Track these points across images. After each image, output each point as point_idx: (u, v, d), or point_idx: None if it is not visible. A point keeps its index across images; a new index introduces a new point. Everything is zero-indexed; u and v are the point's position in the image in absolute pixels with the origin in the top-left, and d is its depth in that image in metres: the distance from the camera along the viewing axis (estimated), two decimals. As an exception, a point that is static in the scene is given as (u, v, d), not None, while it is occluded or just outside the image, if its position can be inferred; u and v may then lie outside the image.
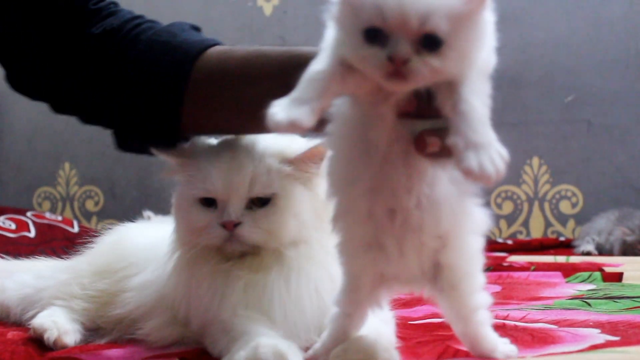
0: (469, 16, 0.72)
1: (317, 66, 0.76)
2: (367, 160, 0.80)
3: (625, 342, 1.06)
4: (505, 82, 3.28)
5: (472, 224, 0.85)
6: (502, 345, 0.93)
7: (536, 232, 3.29)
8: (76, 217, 3.68)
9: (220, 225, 1.04)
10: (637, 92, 3.23)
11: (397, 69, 0.70)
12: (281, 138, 1.11)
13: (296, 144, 1.09)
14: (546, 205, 3.28)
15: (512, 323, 1.23)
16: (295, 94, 0.75)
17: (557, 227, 3.28)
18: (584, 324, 1.23)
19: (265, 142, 1.10)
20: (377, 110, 0.79)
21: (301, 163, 1.08)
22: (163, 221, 1.47)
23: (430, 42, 0.70)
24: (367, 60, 0.72)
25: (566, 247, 2.96)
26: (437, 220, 0.82)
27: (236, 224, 1.04)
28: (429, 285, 0.89)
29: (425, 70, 0.71)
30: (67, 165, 3.75)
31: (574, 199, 3.27)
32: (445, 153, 0.76)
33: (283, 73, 0.96)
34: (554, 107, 3.28)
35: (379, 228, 0.83)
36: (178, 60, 1.09)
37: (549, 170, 3.28)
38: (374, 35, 0.71)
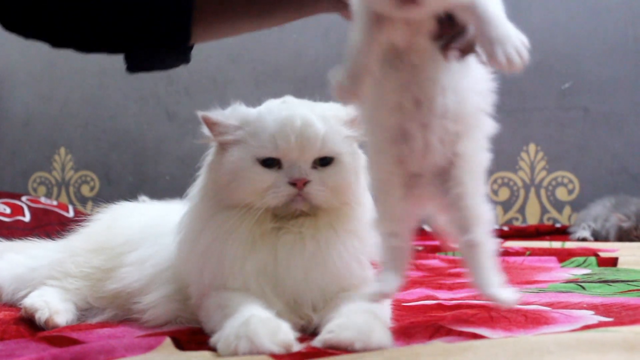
0: None
1: (355, 36, 0.89)
2: (398, 67, 0.91)
3: (619, 322, 1.06)
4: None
5: (483, 123, 0.97)
6: (506, 289, 0.98)
7: (532, 218, 3.28)
8: (71, 202, 3.67)
9: (288, 183, 1.05)
10: (634, 80, 3.22)
11: None
12: (329, 104, 1.13)
13: (345, 109, 1.12)
14: (542, 192, 3.28)
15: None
16: (346, 65, 0.89)
17: (553, 213, 3.28)
18: (578, 306, 1.23)
19: (319, 106, 1.12)
20: (411, 42, 0.90)
21: (356, 124, 1.10)
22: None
23: None
24: None
25: (562, 233, 2.96)
26: (460, 105, 0.92)
27: (305, 182, 1.05)
28: (441, 189, 0.97)
29: None
30: (62, 151, 3.74)
31: (570, 186, 3.26)
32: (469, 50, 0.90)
33: None
34: (551, 94, 3.28)
35: (406, 116, 0.92)
36: None
37: (545, 157, 3.27)
38: None
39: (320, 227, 1.08)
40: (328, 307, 1.04)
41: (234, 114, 1.10)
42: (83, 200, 3.74)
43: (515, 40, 0.83)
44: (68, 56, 3.61)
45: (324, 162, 1.08)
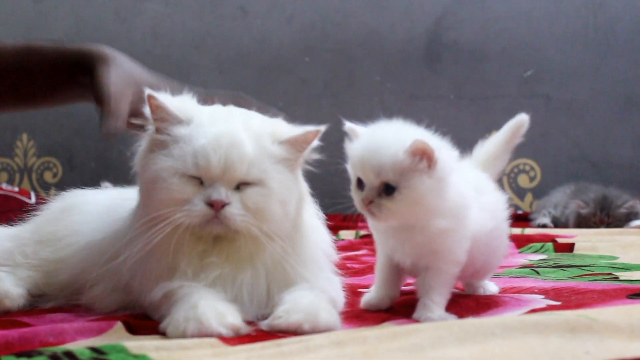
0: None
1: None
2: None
3: (565, 306, 1.08)
4: (465, 56, 3.29)
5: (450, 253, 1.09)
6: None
7: (494, 205, 3.30)
8: (34, 189, 3.64)
9: (206, 203, 0.98)
10: (595, 67, 3.26)
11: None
12: (268, 119, 1.08)
13: (285, 127, 1.06)
14: (504, 179, 3.30)
15: (457, 291, 1.25)
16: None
17: (515, 200, 3.31)
18: (529, 291, 1.25)
19: (258, 118, 1.06)
20: None
21: (292, 146, 1.04)
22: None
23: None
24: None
25: (523, 220, 2.99)
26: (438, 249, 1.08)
27: (223, 205, 0.98)
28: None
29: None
30: (25, 137, 3.71)
31: (532, 173, 3.30)
32: None
33: (57, 70, 1.23)
34: (513, 82, 3.30)
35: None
36: None
37: (507, 144, 3.29)
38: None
39: (243, 263, 1.02)
40: (276, 297, 1.02)
41: (183, 106, 1.04)
42: (46, 186, 3.71)
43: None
44: (30, 38, 3.58)
45: (249, 184, 1.00)
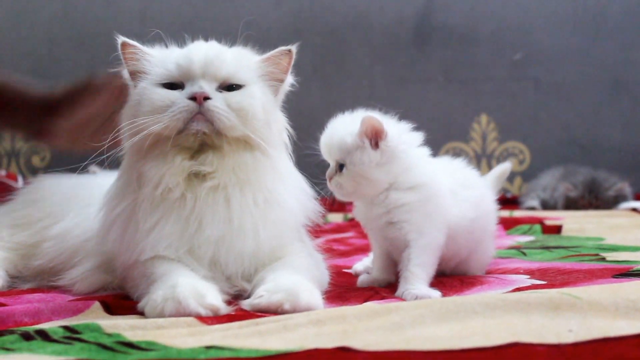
0: None
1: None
2: None
3: (550, 285, 1.07)
4: (454, 39, 3.28)
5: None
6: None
7: (483, 189, 3.30)
8: (22, 173, 3.62)
9: (189, 98, 1.00)
10: (584, 50, 3.24)
11: None
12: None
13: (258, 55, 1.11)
14: (494, 162, 3.29)
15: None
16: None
17: (504, 183, 3.29)
18: (515, 271, 1.24)
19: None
20: None
21: (268, 63, 1.09)
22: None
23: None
24: None
25: (513, 203, 2.98)
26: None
27: (206, 98, 1.00)
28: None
29: None
30: (11, 120, 3.68)
31: (521, 156, 3.29)
32: None
33: None
34: (502, 65, 3.28)
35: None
36: None
37: (497, 128, 3.29)
38: None
39: (229, 175, 1.02)
40: (259, 276, 1.01)
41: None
42: (34, 170, 3.69)
43: None
44: (12, 31, 3.56)
45: (232, 88, 1.04)
